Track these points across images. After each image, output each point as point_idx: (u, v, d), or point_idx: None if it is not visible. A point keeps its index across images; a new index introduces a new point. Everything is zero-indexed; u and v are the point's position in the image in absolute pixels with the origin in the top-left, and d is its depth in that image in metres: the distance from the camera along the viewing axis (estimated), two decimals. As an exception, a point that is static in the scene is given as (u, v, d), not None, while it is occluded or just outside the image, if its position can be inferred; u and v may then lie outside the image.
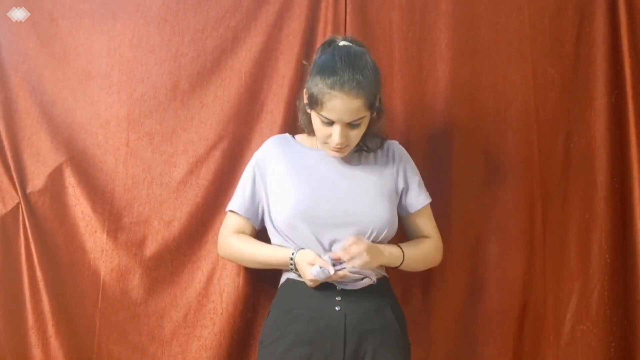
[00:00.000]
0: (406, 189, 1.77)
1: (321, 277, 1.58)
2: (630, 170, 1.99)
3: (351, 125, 1.61)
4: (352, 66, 1.57)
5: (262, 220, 1.79)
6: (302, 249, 1.65)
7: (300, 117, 1.77)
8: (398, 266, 1.71)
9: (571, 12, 2.05)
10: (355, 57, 1.61)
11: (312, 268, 1.59)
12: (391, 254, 1.69)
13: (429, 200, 1.80)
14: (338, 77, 1.56)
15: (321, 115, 1.60)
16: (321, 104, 1.59)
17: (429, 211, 1.82)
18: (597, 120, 2.02)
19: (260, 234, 1.80)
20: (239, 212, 1.77)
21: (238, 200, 1.79)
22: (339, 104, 1.57)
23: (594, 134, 2.02)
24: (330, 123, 1.61)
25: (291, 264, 1.65)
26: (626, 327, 1.98)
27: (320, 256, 1.61)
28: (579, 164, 2.02)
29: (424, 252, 1.78)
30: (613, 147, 2.01)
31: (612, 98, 2.02)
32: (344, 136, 1.62)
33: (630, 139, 1.99)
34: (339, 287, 1.64)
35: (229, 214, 1.81)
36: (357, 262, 1.57)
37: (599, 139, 2.01)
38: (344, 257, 1.57)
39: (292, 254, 1.65)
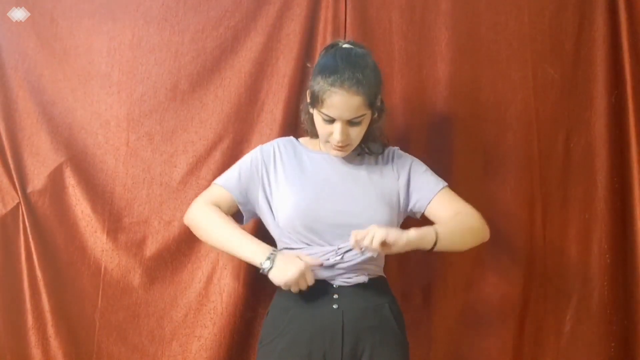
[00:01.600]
0: (409, 189, 1.76)
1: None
2: (630, 170, 1.99)
3: (352, 123, 1.63)
4: (352, 65, 1.60)
5: (248, 207, 1.76)
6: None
7: (303, 117, 1.78)
8: (434, 245, 1.59)
9: (571, 12, 2.05)
10: (357, 57, 1.64)
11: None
12: (419, 231, 1.58)
13: (439, 187, 1.73)
14: (339, 75, 1.58)
15: (322, 112, 1.62)
16: (322, 101, 1.61)
17: (448, 195, 1.73)
18: (597, 120, 2.02)
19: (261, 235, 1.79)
20: (227, 189, 1.74)
21: (232, 179, 1.75)
22: (339, 101, 1.59)
23: (594, 134, 2.02)
24: (331, 121, 1.63)
25: (272, 253, 1.61)
26: (626, 327, 1.98)
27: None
28: (579, 164, 2.02)
29: (457, 223, 1.68)
30: (613, 147, 2.01)
31: (612, 98, 2.02)
32: (345, 134, 1.63)
33: (630, 139, 1.99)
34: (335, 284, 1.64)
35: (216, 187, 1.77)
36: (378, 235, 1.50)
37: (599, 139, 2.01)
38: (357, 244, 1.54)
39: (275, 250, 1.64)
